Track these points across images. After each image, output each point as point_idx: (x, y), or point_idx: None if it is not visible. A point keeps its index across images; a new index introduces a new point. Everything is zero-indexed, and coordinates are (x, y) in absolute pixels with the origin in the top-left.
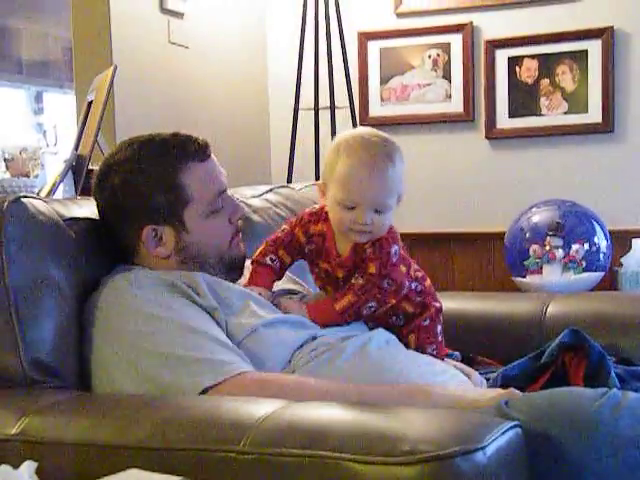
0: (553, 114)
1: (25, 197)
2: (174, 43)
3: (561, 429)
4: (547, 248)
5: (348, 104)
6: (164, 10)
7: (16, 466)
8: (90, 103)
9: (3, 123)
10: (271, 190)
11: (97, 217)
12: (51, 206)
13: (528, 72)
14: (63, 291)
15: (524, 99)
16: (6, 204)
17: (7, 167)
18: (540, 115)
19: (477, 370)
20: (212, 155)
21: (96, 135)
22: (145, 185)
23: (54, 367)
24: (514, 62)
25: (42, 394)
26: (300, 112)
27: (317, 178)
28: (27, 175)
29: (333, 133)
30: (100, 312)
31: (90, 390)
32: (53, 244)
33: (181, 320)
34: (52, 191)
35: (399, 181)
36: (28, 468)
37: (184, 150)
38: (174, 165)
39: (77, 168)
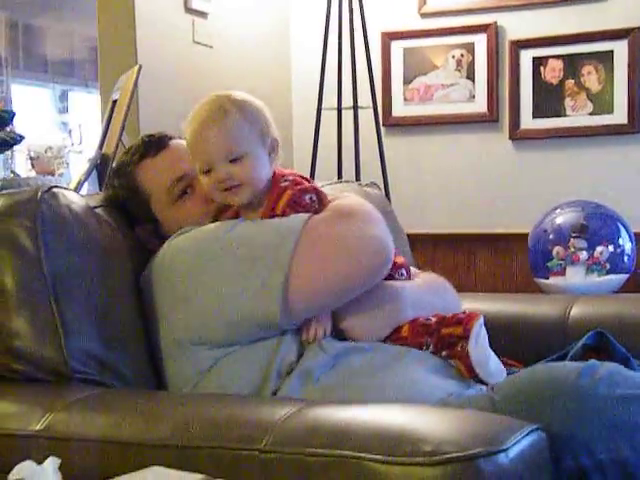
0: (578, 115)
1: (57, 187)
2: (198, 43)
3: (543, 399)
4: (571, 250)
5: (371, 104)
6: (189, 10)
7: (40, 462)
8: (115, 102)
9: (29, 122)
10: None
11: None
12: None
13: (553, 72)
14: (99, 277)
15: (548, 100)
16: (39, 194)
17: (33, 165)
18: (565, 116)
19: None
20: (171, 145)
21: (120, 134)
22: (122, 194)
23: (96, 354)
24: (539, 62)
25: (67, 390)
26: (323, 112)
27: (340, 177)
28: (52, 173)
29: (356, 133)
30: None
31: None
32: (87, 231)
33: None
34: (77, 189)
35: (246, 126)
36: (52, 464)
37: (139, 151)
38: (132, 169)
39: (101, 167)
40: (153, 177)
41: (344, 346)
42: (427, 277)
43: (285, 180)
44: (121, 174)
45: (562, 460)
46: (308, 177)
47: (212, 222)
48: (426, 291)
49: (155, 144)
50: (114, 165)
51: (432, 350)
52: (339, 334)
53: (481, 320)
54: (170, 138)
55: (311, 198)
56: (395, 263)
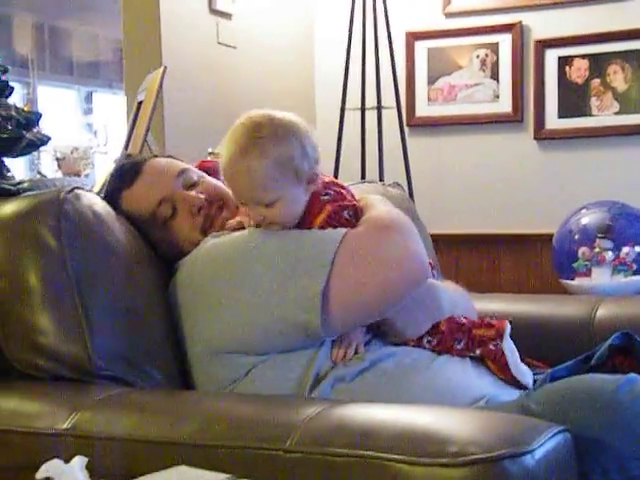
0: (604, 114)
1: (78, 188)
2: (222, 43)
3: (580, 412)
4: (596, 250)
5: (395, 104)
6: (213, 11)
7: (67, 460)
8: (140, 103)
9: (55, 123)
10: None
11: None
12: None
13: (578, 72)
14: (122, 277)
15: (574, 99)
16: (62, 195)
17: (59, 166)
18: (590, 116)
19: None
20: (145, 169)
21: (145, 135)
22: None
23: (120, 353)
24: (564, 62)
25: (94, 389)
26: (347, 112)
27: (363, 178)
28: (78, 174)
29: (380, 133)
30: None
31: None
32: (109, 231)
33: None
34: (103, 189)
35: (277, 171)
36: (79, 462)
37: (116, 184)
38: (118, 201)
39: None
40: (135, 207)
41: (379, 352)
42: (449, 283)
43: (326, 194)
44: (112, 204)
45: (591, 474)
46: (342, 183)
47: (201, 233)
48: (454, 292)
49: (128, 173)
50: (106, 192)
51: (463, 347)
52: (380, 332)
53: (509, 327)
54: (143, 161)
55: (349, 214)
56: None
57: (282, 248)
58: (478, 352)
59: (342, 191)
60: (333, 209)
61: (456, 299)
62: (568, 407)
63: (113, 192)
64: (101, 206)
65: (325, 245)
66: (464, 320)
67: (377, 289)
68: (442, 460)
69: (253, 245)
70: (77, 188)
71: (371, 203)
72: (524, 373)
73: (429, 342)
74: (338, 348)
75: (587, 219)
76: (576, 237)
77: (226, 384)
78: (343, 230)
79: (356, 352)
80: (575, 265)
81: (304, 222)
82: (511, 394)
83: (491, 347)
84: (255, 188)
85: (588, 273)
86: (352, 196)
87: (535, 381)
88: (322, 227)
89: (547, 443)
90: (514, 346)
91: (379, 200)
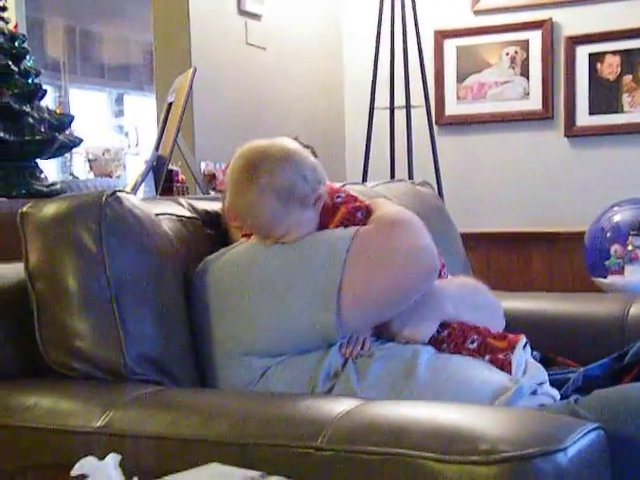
0: (636, 111)
1: (120, 192)
2: (251, 44)
3: (637, 426)
4: (629, 248)
5: (424, 103)
6: (242, 12)
7: (101, 458)
8: (170, 104)
9: (86, 125)
10: (344, 186)
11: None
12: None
13: (610, 68)
14: (157, 282)
15: (605, 96)
16: (104, 198)
17: (91, 167)
18: (622, 112)
19: (557, 371)
20: None
21: (176, 136)
22: None
23: (152, 357)
24: (595, 58)
25: (127, 388)
26: (376, 111)
27: (392, 176)
28: (110, 175)
29: (409, 132)
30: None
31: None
32: (148, 236)
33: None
34: (133, 191)
35: (280, 206)
36: (112, 460)
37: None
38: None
39: (157, 168)
40: None
41: (392, 348)
42: (462, 278)
43: (338, 196)
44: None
45: (625, 472)
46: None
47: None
48: (462, 288)
49: None
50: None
51: (475, 348)
52: (389, 338)
53: (524, 340)
54: None
55: (362, 214)
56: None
57: (298, 251)
58: (487, 358)
59: (352, 193)
60: (347, 210)
61: (463, 294)
62: (624, 422)
63: None
64: (141, 209)
65: (337, 243)
66: (480, 327)
67: (389, 284)
68: (474, 458)
69: (268, 249)
70: (119, 191)
71: (380, 203)
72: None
73: (439, 332)
74: (347, 344)
75: (619, 216)
76: (608, 235)
77: (242, 386)
78: (354, 228)
79: (363, 347)
80: (608, 263)
81: (321, 223)
82: (533, 375)
83: (500, 356)
84: (261, 227)
85: (621, 271)
86: (362, 199)
87: (567, 379)
88: (339, 224)
89: (580, 441)
90: (529, 359)
91: (387, 201)
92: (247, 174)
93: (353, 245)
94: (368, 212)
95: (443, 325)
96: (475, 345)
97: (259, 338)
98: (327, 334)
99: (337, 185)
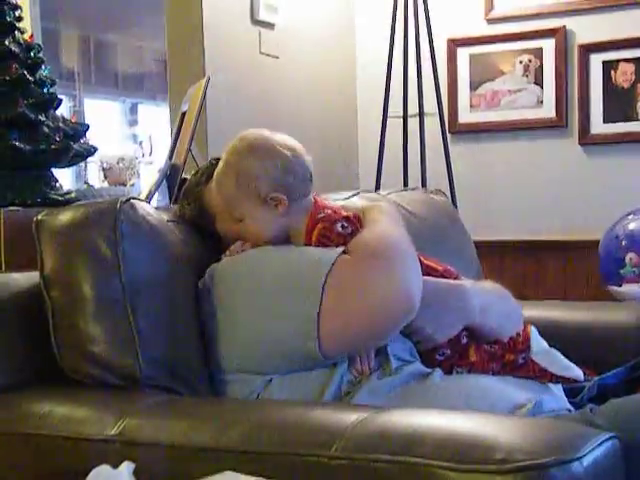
0: None
1: (134, 199)
2: (265, 54)
3: None
4: None
5: (437, 111)
6: (255, 21)
7: (115, 466)
8: (184, 114)
9: (101, 134)
10: (357, 194)
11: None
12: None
13: (624, 76)
14: (171, 289)
15: (620, 104)
16: (119, 205)
17: (105, 176)
18: (637, 120)
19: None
20: None
21: (189, 145)
22: (190, 214)
23: (166, 363)
24: (609, 66)
25: (141, 396)
26: (389, 119)
27: (405, 184)
28: (124, 184)
29: (422, 140)
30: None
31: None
32: (162, 243)
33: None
34: (147, 199)
35: (238, 190)
36: (127, 468)
37: (206, 173)
38: (200, 191)
39: (171, 177)
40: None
41: (410, 367)
42: (488, 283)
43: (320, 213)
44: (189, 195)
45: None
46: (350, 214)
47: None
48: (490, 293)
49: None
50: (184, 187)
51: (497, 372)
52: (410, 337)
53: (534, 330)
54: None
55: (342, 225)
56: (438, 269)
57: (285, 267)
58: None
59: (335, 209)
60: (324, 226)
61: (489, 299)
62: (638, 423)
63: (198, 182)
64: (155, 217)
65: (320, 267)
66: (496, 347)
67: (365, 323)
68: (488, 467)
69: (262, 262)
70: (133, 198)
71: (372, 218)
72: (567, 367)
73: (458, 372)
74: (358, 363)
75: (634, 225)
76: (623, 243)
77: (242, 398)
78: (337, 252)
79: (381, 366)
80: (622, 271)
81: (305, 240)
82: (556, 397)
83: (520, 361)
84: (221, 203)
85: (636, 279)
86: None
87: (582, 388)
88: (317, 242)
89: (596, 450)
90: (546, 346)
91: (381, 214)
92: (230, 150)
93: (333, 271)
94: (355, 220)
95: (462, 356)
96: (497, 370)
97: (249, 358)
98: (310, 359)
99: (331, 202)
